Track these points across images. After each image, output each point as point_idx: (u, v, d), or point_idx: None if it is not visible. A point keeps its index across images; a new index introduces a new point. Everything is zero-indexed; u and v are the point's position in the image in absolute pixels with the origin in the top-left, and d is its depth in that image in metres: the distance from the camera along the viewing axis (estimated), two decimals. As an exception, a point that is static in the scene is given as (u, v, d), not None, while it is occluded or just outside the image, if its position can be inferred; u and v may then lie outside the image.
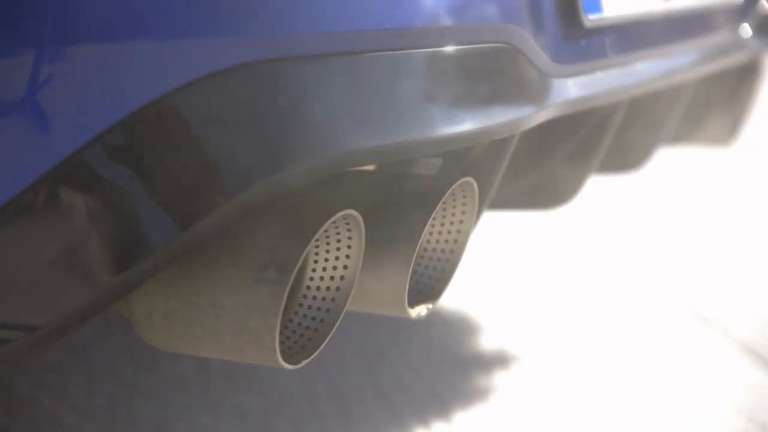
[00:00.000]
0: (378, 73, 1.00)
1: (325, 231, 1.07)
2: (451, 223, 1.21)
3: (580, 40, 1.27)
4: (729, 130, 2.01)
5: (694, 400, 1.86)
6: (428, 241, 1.22)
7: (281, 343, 1.05)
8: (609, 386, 1.90)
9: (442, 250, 1.22)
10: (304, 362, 1.06)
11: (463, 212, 1.20)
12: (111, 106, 0.93)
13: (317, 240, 1.08)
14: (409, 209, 1.13)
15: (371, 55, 0.99)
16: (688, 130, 2.00)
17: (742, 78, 1.98)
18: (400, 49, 1.02)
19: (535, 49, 1.16)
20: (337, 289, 1.09)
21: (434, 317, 2.12)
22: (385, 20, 1.01)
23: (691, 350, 2.07)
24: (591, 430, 1.76)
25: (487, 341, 2.06)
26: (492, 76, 1.11)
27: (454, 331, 2.10)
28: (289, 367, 1.04)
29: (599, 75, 1.30)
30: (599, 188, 2.66)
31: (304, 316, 1.09)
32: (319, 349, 1.08)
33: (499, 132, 1.12)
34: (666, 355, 2.05)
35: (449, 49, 1.05)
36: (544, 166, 1.58)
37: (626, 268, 2.51)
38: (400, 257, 1.12)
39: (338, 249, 1.09)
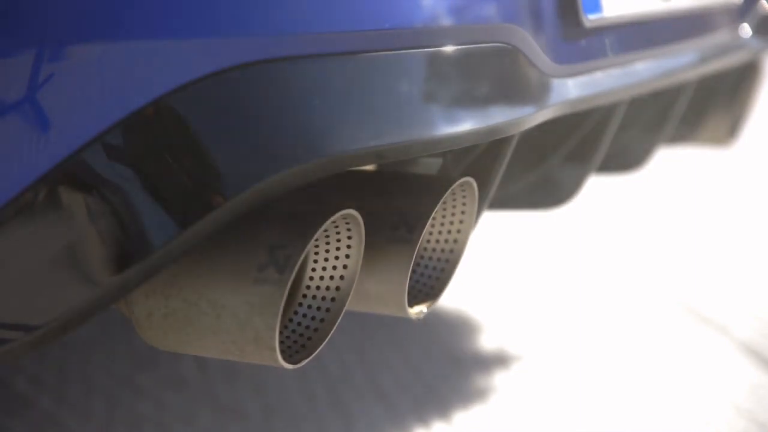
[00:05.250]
0: (378, 73, 1.00)
1: (325, 231, 1.07)
2: (451, 223, 1.21)
3: (580, 40, 1.27)
4: (729, 130, 2.01)
5: (694, 400, 1.86)
6: (428, 241, 1.22)
7: (281, 342, 1.05)
8: (609, 386, 1.90)
9: (442, 250, 1.22)
10: (304, 362, 1.06)
11: (463, 212, 1.20)
12: (111, 106, 0.93)
13: (317, 240, 1.08)
14: (409, 209, 1.12)
15: (371, 55, 0.99)
16: (688, 130, 2.00)
17: (742, 78, 1.98)
18: (400, 49, 1.02)
19: (535, 49, 1.16)
20: (337, 289, 1.09)
21: (434, 317, 2.13)
22: (385, 20, 1.01)
23: (691, 350, 2.07)
24: (591, 429, 1.76)
25: (487, 341, 2.06)
26: (492, 76, 1.11)
27: (454, 331, 2.10)
28: (289, 366, 1.04)
29: (599, 75, 1.30)
30: (599, 188, 2.66)
31: (304, 316, 1.09)
32: (319, 349, 1.08)
33: (499, 132, 1.12)
34: (666, 355, 2.05)
35: (449, 49, 1.05)
36: (544, 166, 1.58)
37: (626, 268, 2.52)
38: (400, 257, 1.12)
39: (338, 249, 1.09)
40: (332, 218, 1.02)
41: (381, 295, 1.14)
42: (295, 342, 1.08)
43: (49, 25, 0.93)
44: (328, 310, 1.09)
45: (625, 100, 1.48)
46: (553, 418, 1.78)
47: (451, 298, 2.21)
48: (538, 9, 1.18)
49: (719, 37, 1.67)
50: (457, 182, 1.15)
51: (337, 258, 1.09)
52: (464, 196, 1.19)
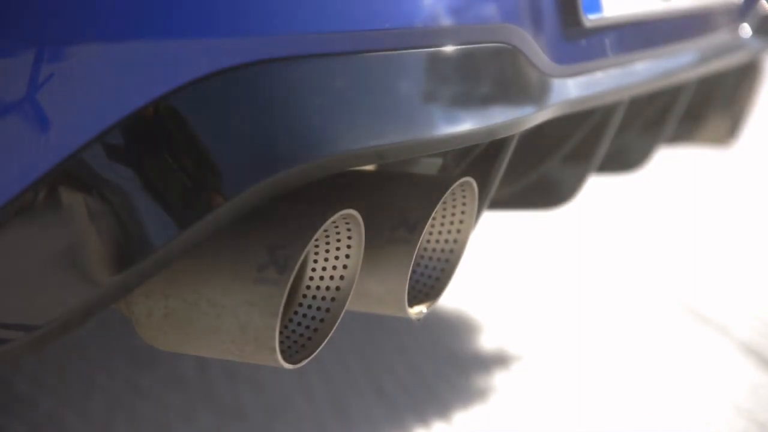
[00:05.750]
0: (378, 73, 1.00)
1: (325, 231, 1.07)
2: (451, 223, 1.21)
3: (580, 40, 1.27)
4: (729, 130, 2.01)
5: (694, 400, 1.86)
6: (428, 241, 1.22)
7: (281, 342, 1.05)
8: (609, 386, 1.90)
9: (442, 250, 1.22)
10: (304, 362, 1.06)
11: (463, 212, 1.20)
12: (111, 106, 0.93)
13: (317, 240, 1.08)
14: (409, 209, 1.13)
15: (371, 55, 0.99)
16: (688, 130, 2.00)
17: (742, 78, 1.98)
18: (400, 49, 1.02)
19: (535, 49, 1.16)
20: (337, 289, 1.09)
21: (434, 317, 2.13)
22: (385, 20, 1.01)
23: (691, 350, 2.07)
24: (591, 429, 1.76)
25: (487, 341, 2.06)
26: (492, 76, 1.11)
27: (454, 331, 2.10)
28: (289, 366, 1.04)
29: (599, 75, 1.30)
30: (599, 188, 2.66)
31: (304, 315, 1.09)
32: (319, 349, 1.08)
33: (499, 132, 1.12)
34: (666, 355, 2.05)
35: (449, 49, 1.05)
36: (544, 166, 1.58)
37: (626, 268, 2.52)
38: (400, 257, 1.12)
39: (338, 249, 1.09)
40: (332, 218, 1.02)
41: (381, 295, 1.14)
42: (295, 342, 1.08)
43: (49, 25, 0.93)
44: (328, 310, 1.09)
45: (625, 100, 1.48)
46: (553, 418, 1.78)
47: (451, 298, 2.21)
48: (537, 9, 1.18)
49: (719, 37, 1.67)
50: (457, 182, 1.15)
51: (337, 258, 1.09)
52: (464, 196, 1.19)
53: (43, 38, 0.93)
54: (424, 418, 1.75)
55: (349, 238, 1.08)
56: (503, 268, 2.46)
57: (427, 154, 1.12)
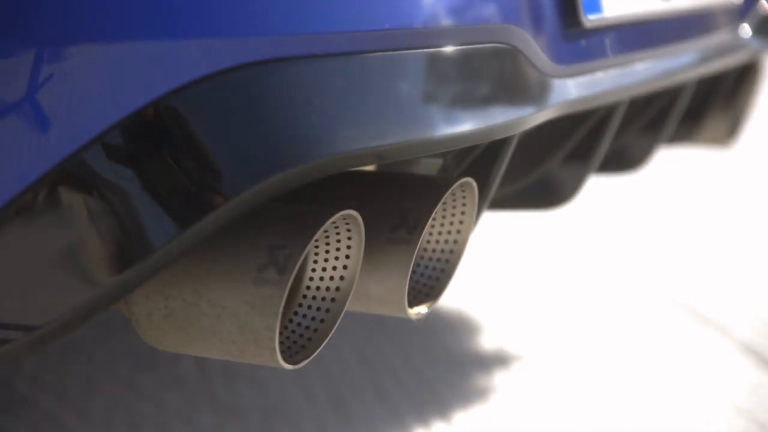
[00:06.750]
0: (378, 73, 1.00)
1: (325, 231, 1.07)
2: (451, 223, 1.21)
3: (580, 40, 1.27)
4: (729, 131, 2.01)
5: (694, 400, 1.86)
6: (428, 241, 1.22)
7: (281, 343, 1.05)
8: (609, 386, 1.90)
9: (442, 250, 1.22)
10: (304, 362, 1.06)
11: (463, 212, 1.20)
12: (111, 106, 0.93)
13: (317, 240, 1.08)
14: (409, 209, 1.13)
15: (371, 55, 0.99)
16: (688, 130, 2.00)
17: (742, 78, 1.98)
18: (400, 49, 1.02)
19: (534, 49, 1.16)
20: (337, 289, 1.09)
21: (434, 317, 2.13)
22: (385, 20, 1.01)
23: (691, 350, 2.07)
24: (591, 429, 1.76)
25: (487, 341, 2.06)
26: (492, 76, 1.11)
27: (454, 331, 2.10)
28: (289, 367, 1.04)
29: (599, 75, 1.30)
30: (599, 188, 2.66)
31: (304, 316, 1.09)
32: (319, 349, 1.08)
33: (499, 132, 1.12)
34: (666, 355, 2.05)
35: (449, 49, 1.05)
36: (544, 166, 1.58)
37: (626, 268, 2.52)
38: (400, 257, 1.12)
39: (338, 249, 1.09)
40: (332, 218, 1.02)
41: (381, 295, 1.14)
42: (295, 342, 1.08)
43: (49, 25, 0.93)
44: (328, 310, 1.09)
45: (625, 100, 1.48)
46: (553, 418, 1.78)
47: (451, 298, 2.21)
48: (537, 9, 1.18)
49: (719, 37, 1.67)
50: (457, 182, 1.15)
51: (337, 258, 1.09)
52: (464, 196, 1.19)
53: (43, 38, 0.93)
54: (424, 418, 1.75)
55: (349, 238, 1.08)
56: (503, 268, 2.46)
57: (427, 154, 1.12)
